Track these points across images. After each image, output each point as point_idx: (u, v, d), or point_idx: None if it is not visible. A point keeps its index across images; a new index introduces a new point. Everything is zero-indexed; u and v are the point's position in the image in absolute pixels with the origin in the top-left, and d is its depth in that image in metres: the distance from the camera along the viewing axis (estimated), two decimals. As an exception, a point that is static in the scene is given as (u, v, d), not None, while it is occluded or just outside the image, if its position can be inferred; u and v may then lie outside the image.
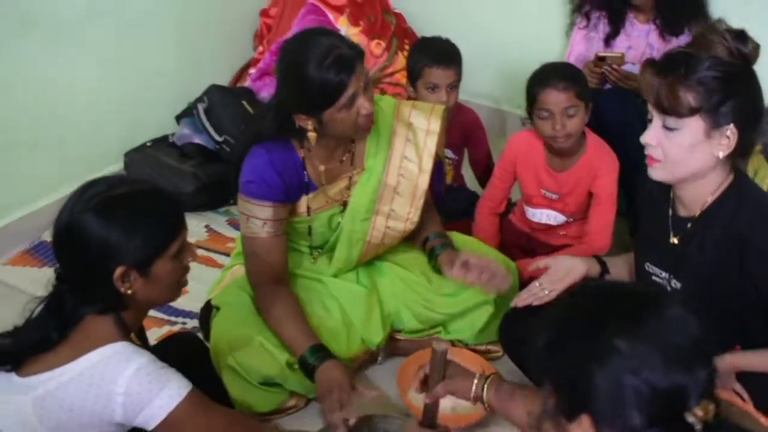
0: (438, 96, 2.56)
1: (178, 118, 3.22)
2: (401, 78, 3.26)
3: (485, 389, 1.70)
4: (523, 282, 2.41)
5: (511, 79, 3.16)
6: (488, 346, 2.33)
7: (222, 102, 3.14)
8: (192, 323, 2.43)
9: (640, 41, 2.91)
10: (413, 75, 2.62)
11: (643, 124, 2.81)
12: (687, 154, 1.64)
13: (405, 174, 2.18)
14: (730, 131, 1.61)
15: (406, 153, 2.17)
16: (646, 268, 1.88)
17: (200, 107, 3.13)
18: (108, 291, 1.48)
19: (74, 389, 1.45)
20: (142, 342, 1.71)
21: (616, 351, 1.09)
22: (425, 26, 3.29)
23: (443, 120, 2.23)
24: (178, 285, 1.61)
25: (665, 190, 1.81)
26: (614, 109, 2.67)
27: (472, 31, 3.22)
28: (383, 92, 3.25)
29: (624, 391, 1.08)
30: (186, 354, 1.93)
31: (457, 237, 2.41)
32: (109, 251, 1.45)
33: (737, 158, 1.69)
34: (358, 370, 2.23)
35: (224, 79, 3.43)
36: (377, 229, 2.21)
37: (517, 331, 2.15)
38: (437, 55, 2.58)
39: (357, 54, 1.91)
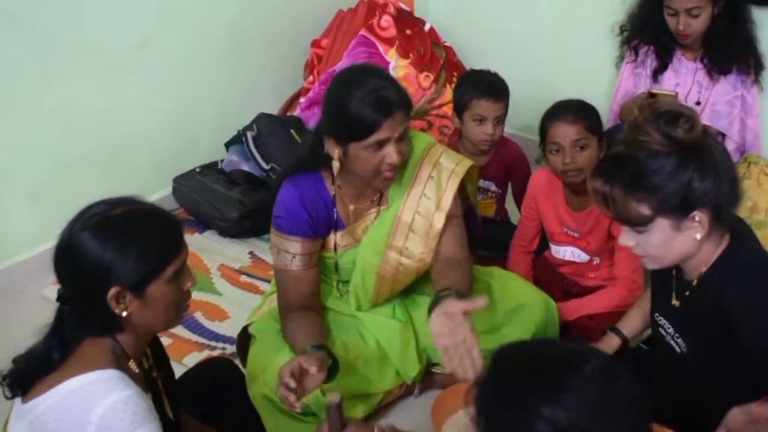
0: (484, 128, 2.57)
1: (228, 145, 3.29)
2: (448, 110, 3.28)
3: None
4: (563, 323, 2.42)
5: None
6: None
7: (270, 130, 3.19)
8: (232, 349, 2.45)
9: (688, 78, 2.88)
10: (460, 106, 2.64)
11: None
12: (665, 248, 1.60)
13: (421, 212, 2.14)
14: (698, 216, 1.55)
15: (426, 191, 2.14)
16: (656, 319, 1.84)
17: (249, 135, 3.19)
18: (104, 312, 1.44)
19: (56, 413, 1.40)
20: (159, 366, 1.68)
21: (543, 418, 1.08)
22: (475, 60, 3.30)
23: (473, 169, 2.24)
24: (176, 310, 1.55)
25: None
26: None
27: (521, 65, 3.24)
28: (430, 124, 3.28)
29: None
30: (221, 380, 1.95)
31: (499, 273, 2.39)
32: (103, 270, 1.43)
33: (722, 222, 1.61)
34: (393, 403, 2.22)
35: (274, 108, 3.49)
36: (390, 264, 2.17)
37: None
38: (485, 88, 2.59)
39: (402, 102, 1.91)
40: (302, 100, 3.42)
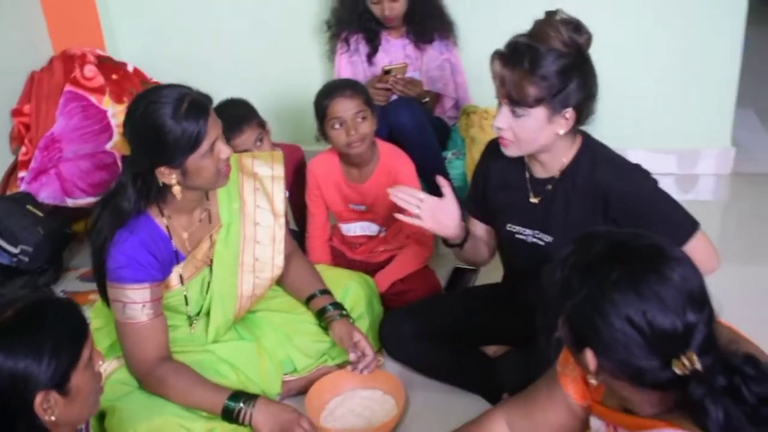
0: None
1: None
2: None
3: None
4: (383, 295, 2.56)
5: (296, 113, 3.25)
6: None
7: (5, 212, 2.92)
8: None
9: (399, 55, 3.16)
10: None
11: (431, 125, 3.09)
12: (535, 135, 1.88)
13: (261, 222, 2.20)
14: (569, 114, 1.86)
15: (258, 202, 2.20)
16: (508, 228, 2.09)
17: (-18, 226, 2.90)
18: (31, 424, 1.33)
19: None
20: None
21: (607, 296, 1.23)
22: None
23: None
24: (97, 395, 1.49)
25: (519, 158, 2.02)
26: (406, 117, 2.88)
27: (233, 79, 3.25)
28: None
29: (612, 329, 1.22)
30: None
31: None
32: (20, 382, 1.31)
33: (579, 126, 1.93)
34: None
35: (-10, 192, 3.19)
36: (246, 282, 2.20)
37: (401, 329, 2.30)
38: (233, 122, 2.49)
39: (208, 98, 1.92)
40: (24, 173, 3.18)
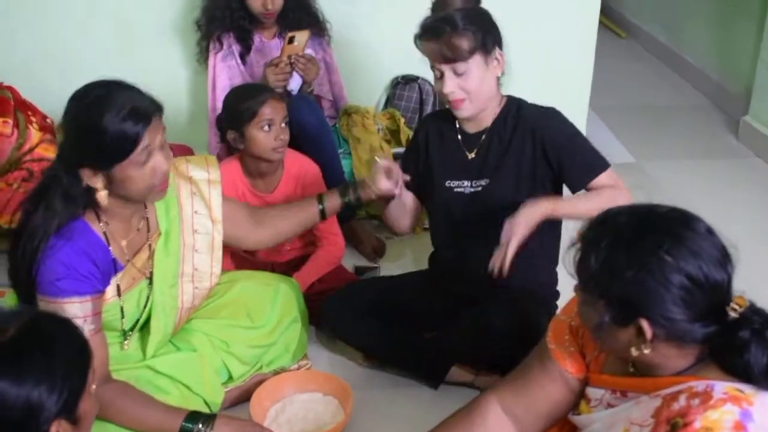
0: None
1: None
2: (43, 152, 2.98)
3: None
4: (305, 293, 2.49)
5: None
6: (299, 363, 2.36)
7: None
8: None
9: (274, 54, 3.09)
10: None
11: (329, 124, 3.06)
12: (480, 83, 2.07)
13: (199, 229, 2.07)
14: (497, 53, 2.08)
15: (195, 207, 2.07)
16: (447, 185, 2.23)
17: None
18: None
19: None
20: None
21: (662, 259, 1.28)
22: (45, 96, 3.02)
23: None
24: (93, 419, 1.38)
25: (448, 121, 2.23)
26: (307, 113, 2.83)
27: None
28: (30, 172, 2.94)
29: (672, 290, 1.28)
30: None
31: (233, 274, 2.40)
32: (36, 412, 1.19)
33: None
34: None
35: None
36: (186, 293, 2.08)
37: (353, 304, 2.35)
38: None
39: (156, 107, 1.79)
40: None
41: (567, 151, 2.10)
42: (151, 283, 2.00)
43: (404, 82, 3.38)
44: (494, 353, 2.18)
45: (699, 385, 1.31)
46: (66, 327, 1.32)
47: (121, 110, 1.71)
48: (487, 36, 2.05)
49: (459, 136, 2.23)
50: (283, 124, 2.46)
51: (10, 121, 2.93)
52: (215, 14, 3.01)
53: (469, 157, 2.21)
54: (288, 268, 2.64)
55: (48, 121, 3.09)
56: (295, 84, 2.98)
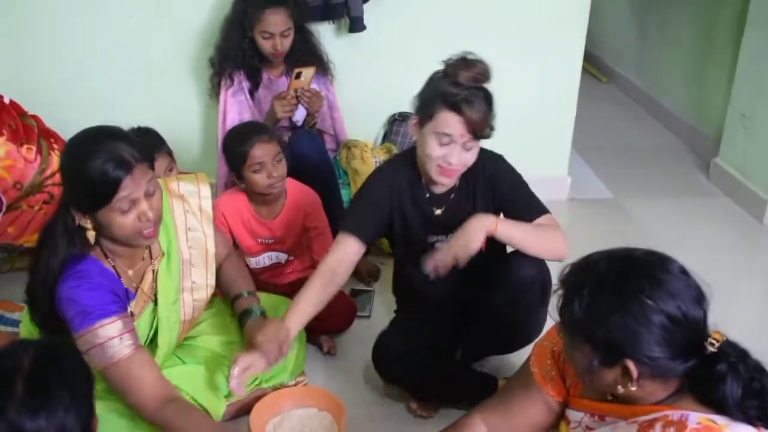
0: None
1: None
2: (63, 177, 3.19)
3: None
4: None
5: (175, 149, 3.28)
6: (297, 379, 2.51)
7: None
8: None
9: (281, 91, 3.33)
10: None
11: (329, 156, 3.28)
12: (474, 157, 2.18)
13: (194, 245, 2.21)
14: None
15: (189, 224, 2.21)
16: (429, 240, 2.34)
17: None
18: None
19: None
20: None
21: (644, 303, 1.35)
22: (65, 124, 3.19)
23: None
24: None
25: (416, 186, 2.31)
26: (308, 146, 3.06)
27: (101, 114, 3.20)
28: (51, 195, 3.14)
29: (655, 330, 1.35)
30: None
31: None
32: None
33: None
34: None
35: None
36: (187, 306, 2.22)
37: (396, 348, 2.40)
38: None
39: (140, 158, 1.88)
40: None
41: (511, 199, 2.25)
42: (155, 302, 2.15)
43: (401, 119, 3.62)
44: (520, 309, 2.25)
45: (674, 414, 1.38)
46: (74, 355, 1.42)
47: (103, 157, 1.81)
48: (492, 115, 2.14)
49: (426, 194, 2.31)
50: (275, 162, 2.64)
51: (34, 148, 3.13)
52: (228, 53, 3.24)
53: (437, 214, 2.31)
54: (289, 290, 2.76)
55: (69, 148, 3.30)
56: (300, 115, 3.22)
